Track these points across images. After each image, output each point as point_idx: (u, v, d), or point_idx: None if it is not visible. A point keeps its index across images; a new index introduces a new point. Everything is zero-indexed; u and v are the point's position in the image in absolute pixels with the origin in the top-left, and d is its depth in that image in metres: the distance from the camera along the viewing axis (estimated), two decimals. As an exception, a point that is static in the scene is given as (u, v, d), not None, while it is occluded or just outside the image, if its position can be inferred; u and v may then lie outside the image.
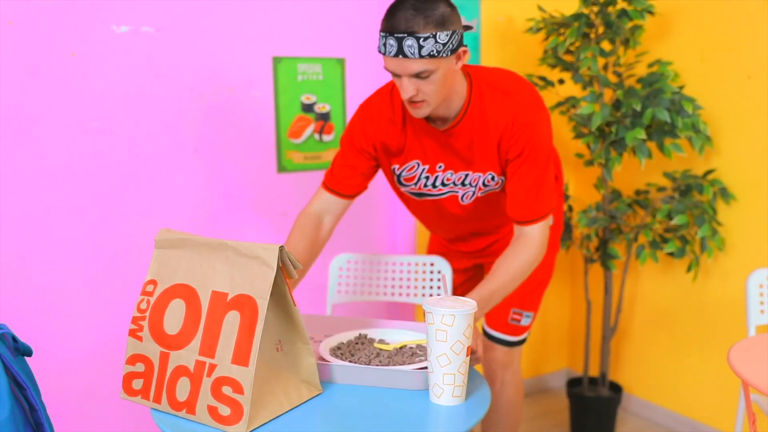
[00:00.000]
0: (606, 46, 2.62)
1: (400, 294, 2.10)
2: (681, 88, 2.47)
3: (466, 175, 1.72)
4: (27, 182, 2.07)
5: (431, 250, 2.17)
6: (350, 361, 1.48)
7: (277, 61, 2.41)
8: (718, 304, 2.61)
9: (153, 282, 1.35)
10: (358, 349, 1.54)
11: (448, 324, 1.27)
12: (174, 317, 1.30)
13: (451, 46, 1.48)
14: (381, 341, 1.62)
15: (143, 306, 1.34)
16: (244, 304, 1.24)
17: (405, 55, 1.46)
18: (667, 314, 2.80)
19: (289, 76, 2.43)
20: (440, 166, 1.72)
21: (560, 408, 3.02)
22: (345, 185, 1.78)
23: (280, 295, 1.32)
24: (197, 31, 2.26)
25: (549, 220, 1.68)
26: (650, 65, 2.54)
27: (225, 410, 1.21)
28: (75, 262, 2.16)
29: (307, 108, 2.48)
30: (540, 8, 2.66)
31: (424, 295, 2.08)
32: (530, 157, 1.62)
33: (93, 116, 2.14)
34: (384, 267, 2.13)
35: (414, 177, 1.76)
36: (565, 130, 2.87)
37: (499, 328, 1.97)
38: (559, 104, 2.64)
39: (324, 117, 2.52)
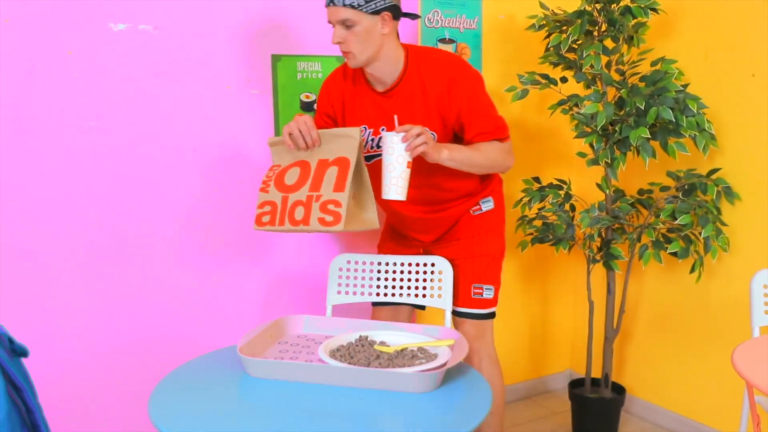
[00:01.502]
0: (609, 43, 2.60)
1: (401, 295, 2.09)
2: (685, 86, 2.45)
3: None
4: (24, 181, 2.05)
5: (382, 248, 2.29)
6: (350, 363, 1.46)
7: (276, 59, 2.39)
8: (722, 305, 2.59)
9: (277, 165, 1.94)
10: (357, 351, 1.52)
11: (395, 142, 1.76)
12: (292, 176, 1.88)
13: (373, 6, 1.84)
14: (382, 343, 1.60)
15: (270, 174, 1.91)
16: (340, 160, 1.83)
17: (333, 3, 1.85)
18: (671, 315, 2.78)
19: (288, 74, 2.41)
20: (383, 129, 1.99)
21: (562, 409, 3.01)
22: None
23: (358, 163, 1.88)
24: (196, 29, 2.24)
25: (509, 143, 2.03)
26: (653, 63, 2.52)
27: (329, 218, 1.76)
28: (73, 262, 2.14)
29: (307, 106, 2.46)
30: (542, 5, 2.64)
31: (425, 296, 2.06)
32: (474, 103, 1.94)
33: (91, 115, 2.12)
34: (384, 267, 2.11)
35: (363, 140, 2.01)
36: (567, 128, 2.85)
37: (465, 304, 2.11)
38: (561, 102, 2.62)
39: (324, 116, 2.50)
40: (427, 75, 1.94)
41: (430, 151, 1.81)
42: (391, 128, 2.01)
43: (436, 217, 2.13)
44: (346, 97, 2.05)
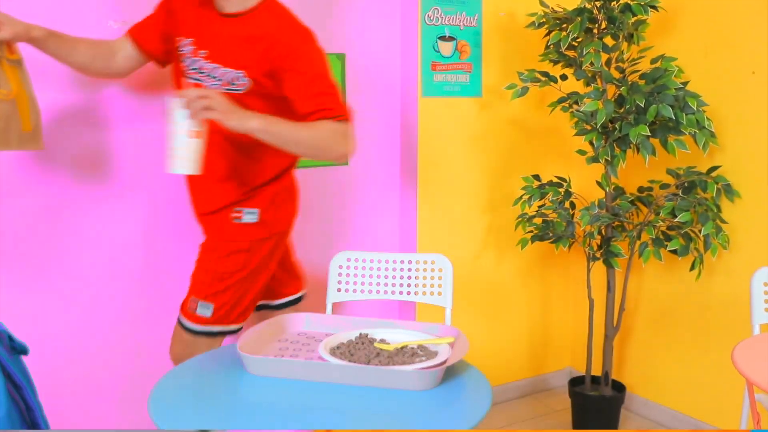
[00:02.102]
0: (609, 41, 2.59)
1: (401, 292, 2.09)
2: (685, 84, 2.45)
3: (217, 68, 1.83)
4: (24, 181, 2.05)
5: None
6: (350, 361, 1.46)
7: (276, 57, 2.38)
8: (722, 303, 2.59)
9: None
10: (357, 349, 1.52)
11: (176, 109, 1.59)
12: None
13: None
14: (382, 341, 1.60)
15: None
16: None
17: None
18: (671, 313, 2.78)
19: (288, 72, 2.41)
20: (203, 53, 1.85)
21: (563, 407, 3.01)
22: (141, 33, 1.96)
23: None
24: (196, 27, 2.24)
25: (348, 128, 1.79)
26: (653, 61, 2.52)
27: None
28: (72, 261, 2.14)
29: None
30: (542, 3, 2.63)
31: (425, 293, 2.07)
32: (300, 78, 1.77)
33: (90, 114, 2.12)
34: (384, 265, 2.11)
35: (185, 54, 1.89)
36: (567, 126, 2.85)
37: (184, 312, 1.95)
38: (561, 100, 2.62)
39: (324, 114, 2.49)
40: (267, 27, 1.79)
41: (223, 117, 1.62)
42: (209, 56, 1.83)
43: (202, 199, 1.98)
44: (185, 7, 1.90)
